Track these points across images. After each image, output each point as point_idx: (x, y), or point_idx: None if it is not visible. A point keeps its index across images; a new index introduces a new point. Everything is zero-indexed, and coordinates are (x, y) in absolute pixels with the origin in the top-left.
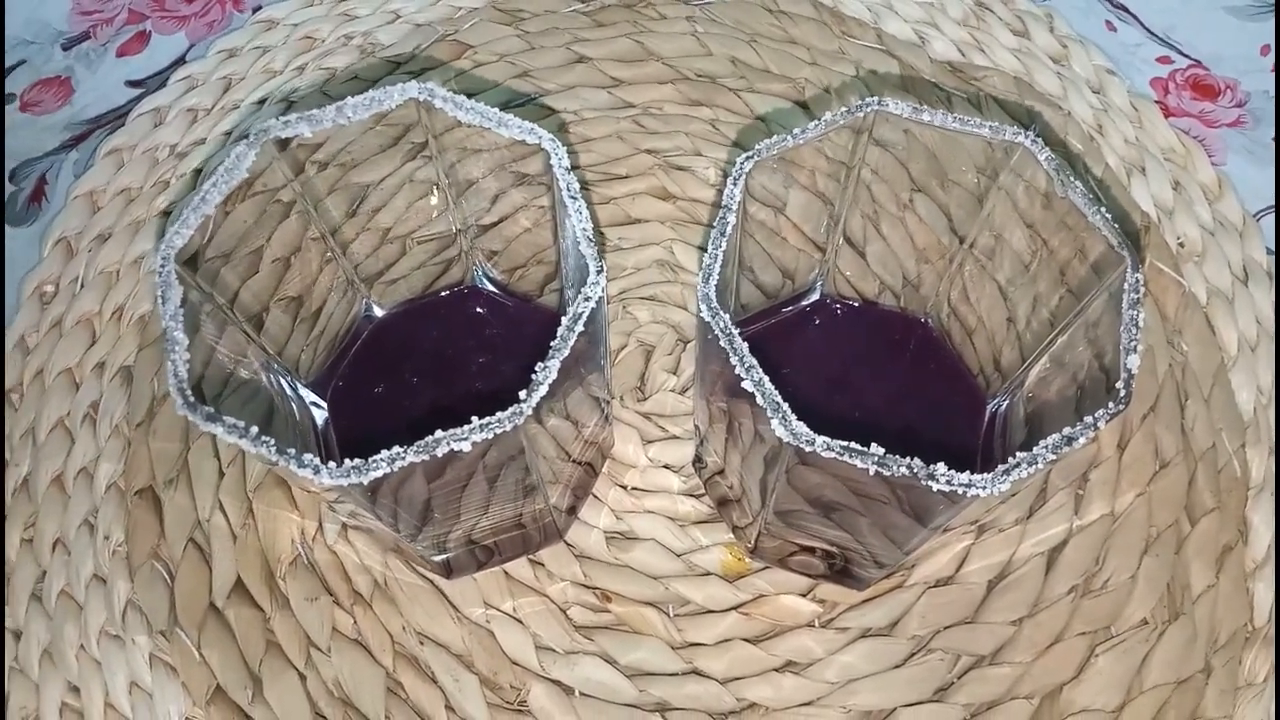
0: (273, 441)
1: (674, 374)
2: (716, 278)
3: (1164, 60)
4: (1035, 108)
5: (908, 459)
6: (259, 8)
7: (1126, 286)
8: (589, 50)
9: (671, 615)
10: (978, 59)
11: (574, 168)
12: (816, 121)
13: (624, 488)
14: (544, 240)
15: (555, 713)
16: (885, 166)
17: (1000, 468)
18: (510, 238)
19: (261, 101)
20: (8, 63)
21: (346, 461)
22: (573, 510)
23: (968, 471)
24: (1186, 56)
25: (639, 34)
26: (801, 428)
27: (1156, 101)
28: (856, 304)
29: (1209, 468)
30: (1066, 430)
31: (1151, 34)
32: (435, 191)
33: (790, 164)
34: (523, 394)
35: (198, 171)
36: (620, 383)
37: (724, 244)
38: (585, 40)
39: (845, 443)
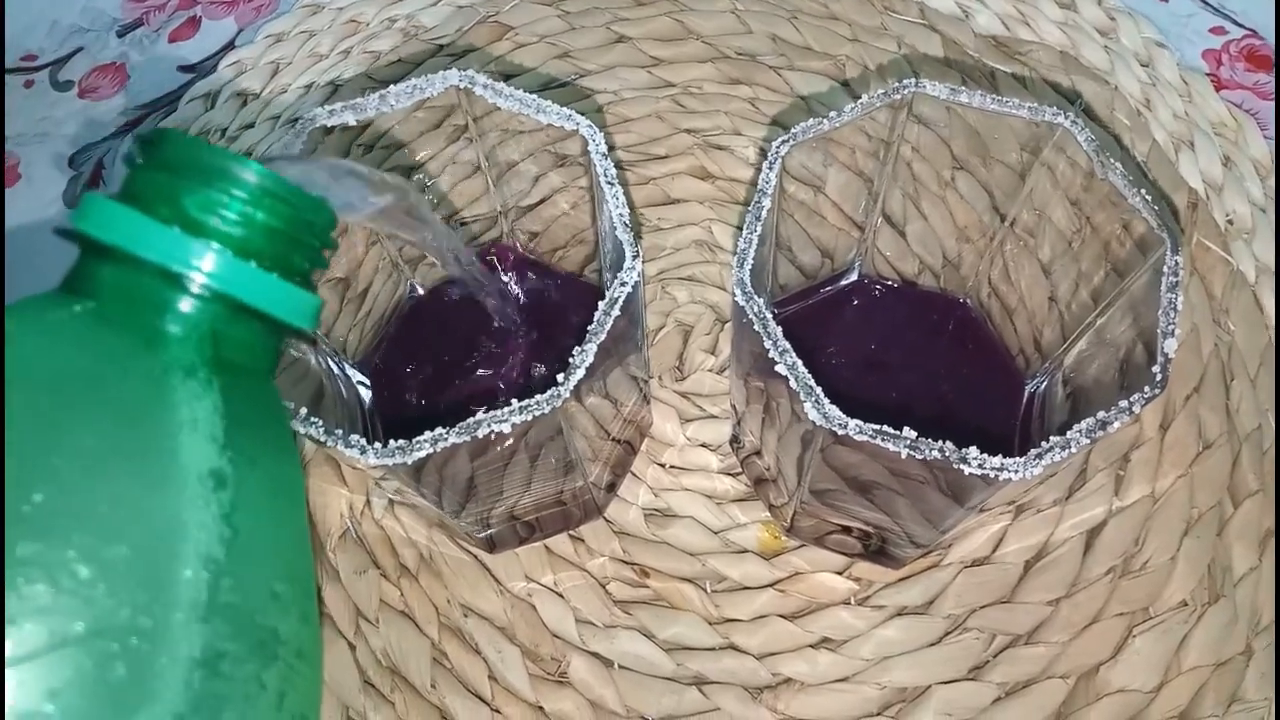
0: (321, 422)
1: (712, 354)
2: (751, 262)
3: (1217, 31)
4: (1079, 85)
5: (940, 442)
6: None
7: (1166, 269)
8: (629, 30)
9: (709, 591)
10: (1023, 33)
11: (613, 148)
12: (853, 104)
13: (662, 466)
14: (583, 221)
15: (595, 684)
16: (926, 144)
17: (1033, 451)
18: (550, 219)
19: (308, 86)
20: (65, 51)
21: (391, 442)
22: (612, 487)
23: (1005, 453)
24: (1241, 26)
25: (679, 12)
26: (834, 411)
27: (1208, 74)
28: (895, 284)
29: (1254, 449)
30: (1101, 414)
31: (1205, 3)
32: (476, 173)
33: (830, 142)
34: (560, 376)
35: (248, 154)
36: (658, 362)
37: (758, 228)
38: (625, 20)
39: (877, 426)
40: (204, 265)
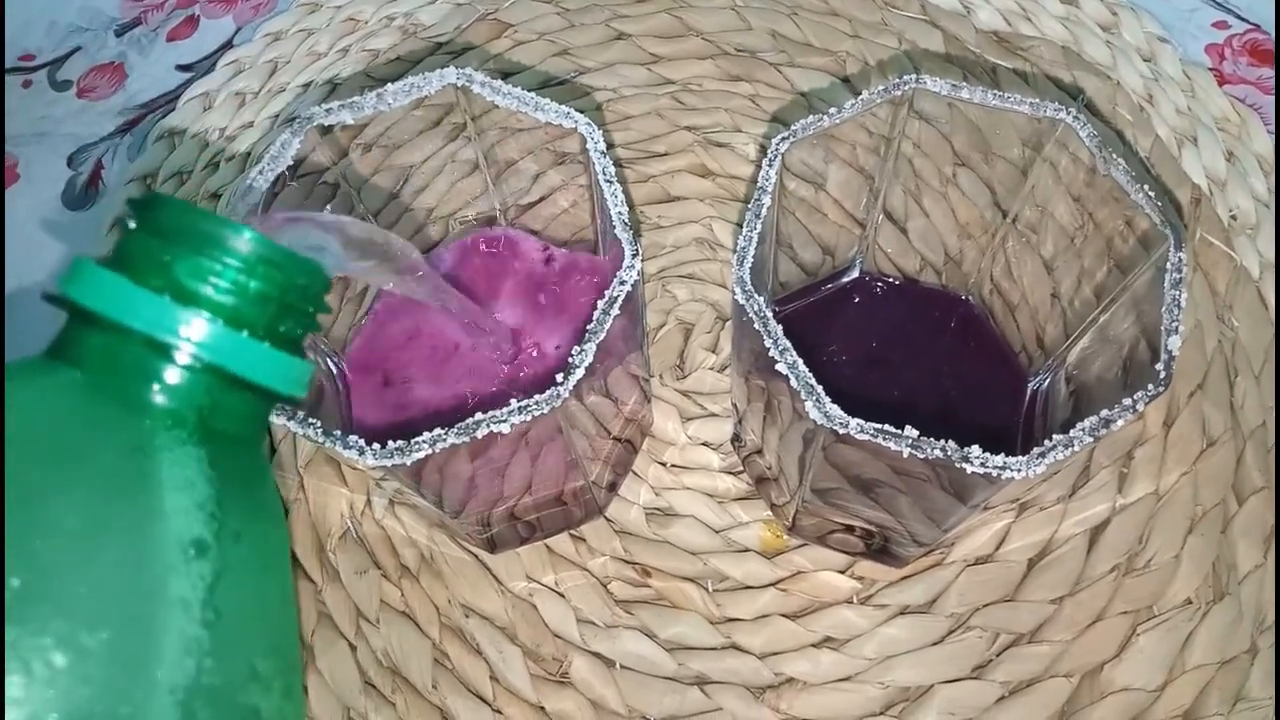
0: (319, 423)
1: (713, 352)
2: (751, 260)
3: (1220, 25)
4: (1081, 81)
5: (942, 441)
6: None
7: (1169, 266)
8: (628, 26)
9: (711, 591)
10: (1024, 28)
11: (612, 146)
12: (854, 101)
13: (663, 465)
14: (583, 219)
15: (596, 684)
16: (927, 140)
17: (1035, 450)
18: (550, 217)
19: (307, 85)
20: (64, 50)
21: (390, 443)
22: (613, 487)
23: (1009, 451)
24: (1244, 20)
25: (678, 9)
26: (835, 410)
27: (1211, 69)
28: (897, 281)
29: (1258, 446)
30: (1104, 412)
31: None
32: (475, 172)
33: (831, 139)
34: (560, 376)
35: (246, 154)
36: (659, 361)
37: (758, 226)
38: (624, 16)
39: (879, 425)
40: (194, 336)
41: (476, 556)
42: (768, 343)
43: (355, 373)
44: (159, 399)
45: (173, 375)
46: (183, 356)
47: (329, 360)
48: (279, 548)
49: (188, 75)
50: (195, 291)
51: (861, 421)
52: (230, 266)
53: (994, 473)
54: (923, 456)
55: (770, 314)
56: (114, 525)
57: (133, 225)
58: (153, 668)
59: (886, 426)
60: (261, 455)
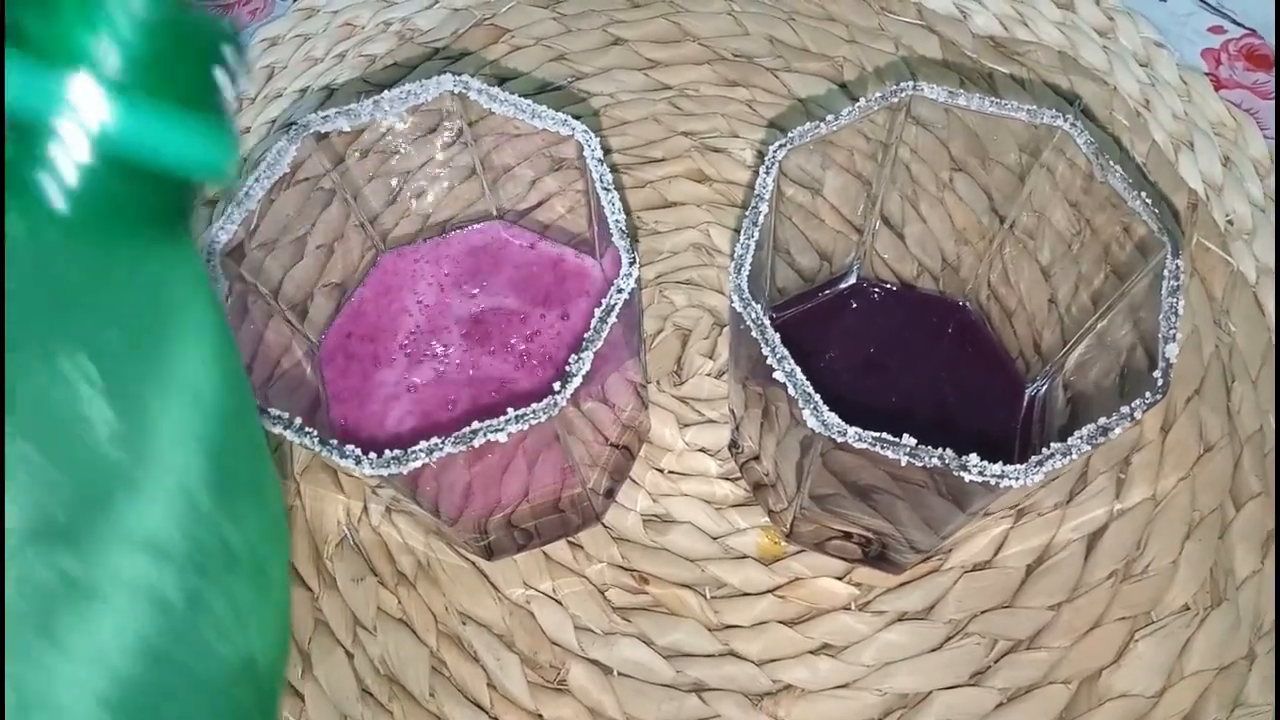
0: (315, 432)
1: (710, 358)
2: (749, 268)
3: (1216, 30)
4: (1077, 86)
5: (940, 449)
6: None
7: (1166, 273)
8: (625, 32)
9: (708, 597)
10: (1021, 33)
11: (609, 151)
12: (851, 108)
13: (661, 471)
14: (580, 224)
15: (594, 691)
16: (924, 145)
17: (1034, 459)
18: (547, 222)
19: (303, 90)
20: None
21: (387, 452)
22: (610, 493)
23: (1006, 457)
24: (1240, 25)
25: (675, 14)
26: (833, 418)
27: (1207, 74)
28: (894, 287)
29: (1255, 451)
30: (1103, 420)
31: (1204, 2)
32: (472, 177)
33: (827, 144)
34: (557, 384)
35: (242, 159)
36: (656, 366)
37: (756, 233)
38: (621, 22)
39: (877, 433)
40: (71, 102)
41: (474, 564)
42: (765, 351)
43: (332, 360)
44: (43, 191)
45: (56, 157)
46: (61, 131)
47: (307, 341)
48: (210, 331)
49: None
50: (63, 45)
51: (859, 430)
52: (106, 14)
53: (992, 481)
54: (921, 465)
55: (768, 322)
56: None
57: None
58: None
59: (884, 435)
60: (185, 243)
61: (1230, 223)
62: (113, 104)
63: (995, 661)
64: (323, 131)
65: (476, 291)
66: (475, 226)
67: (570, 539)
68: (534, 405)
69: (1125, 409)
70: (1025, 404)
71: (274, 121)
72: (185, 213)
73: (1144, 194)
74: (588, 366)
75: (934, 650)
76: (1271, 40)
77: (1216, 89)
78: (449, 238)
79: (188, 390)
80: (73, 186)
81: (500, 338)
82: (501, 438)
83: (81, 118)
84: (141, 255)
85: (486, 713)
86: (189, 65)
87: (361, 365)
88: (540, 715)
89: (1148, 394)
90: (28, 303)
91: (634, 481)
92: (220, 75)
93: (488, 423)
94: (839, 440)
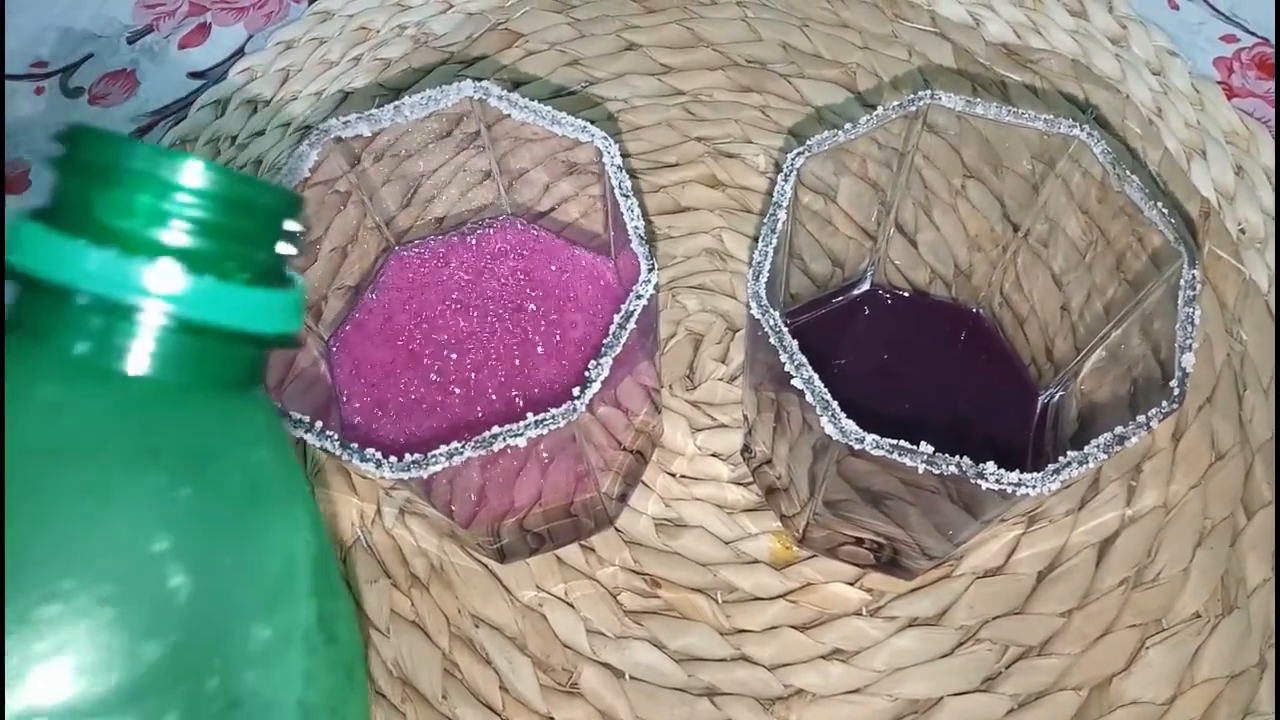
0: (336, 435)
1: (722, 363)
2: (767, 275)
3: (1229, 39)
4: (1090, 94)
5: (957, 457)
6: None
7: (1183, 283)
8: (639, 37)
9: (720, 602)
10: (1034, 41)
11: (624, 156)
12: (869, 116)
13: (673, 475)
14: (595, 229)
15: (606, 695)
16: (938, 153)
17: (1050, 467)
18: (561, 226)
19: (318, 94)
20: (76, 58)
21: (406, 456)
22: (623, 497)
23: (1019, 464)
24: (1253, 34)
25: (689, 20)
26: (851, 425)
27: (1220, 82)
28: (907, 294)
29: (1267, 460)
30: (1119, 429)
31: (1216, 11)
32: (487, 180)
33: (842, 151)
34: (576, 390)
35: (258, 162)
36: (669, 371)
37: (774, 240)
38: (635, 27)
39: (894, 441)
40: (151, 286)
41: (486, 566)
42: (783, 357)
43: (345, 360)
44: (120, 364)
45: (140, 335)
46: (140, 313)
47: (321, 342)
48: (291, 487)
49: (200, 83)
50: (134, 233)
51: (877, 437)
52: (171, 199)
53: (1009, 489)
54: (937, 472)
55: (785, 328)
56: (108, 500)
57: (64, 167)
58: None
59: (902, 442)
60: (254, 401)
61: (1243, 231)
62: (187, 280)
63: (1006, 668)
64: (343, 136)
65: (492, 292)
66: (491, 224)
67: (583, 542)
68: (553, 410)
69: (1141, 418)
70: (1038, 411)
71: (289, 125)
72: (259, 374)
73: (1160, 204)
74: (606, 372)
75: (945, 656)
76: None
77: (1229, 98)
78: (463, 237)
79: (282, 545)
80: (154, 355)
81: (515, 339)
82: (521, 442)
83: (159, 294)
84: (222, 415)
85: (499, 715)
86: (254, 237)
87: (374, 365)
88: (552, 718)
89: (1164, 403)
90: (115, 462)
91: (646, 486)
92: (284, 243)
93: (507, 427)
94: (856, 447)
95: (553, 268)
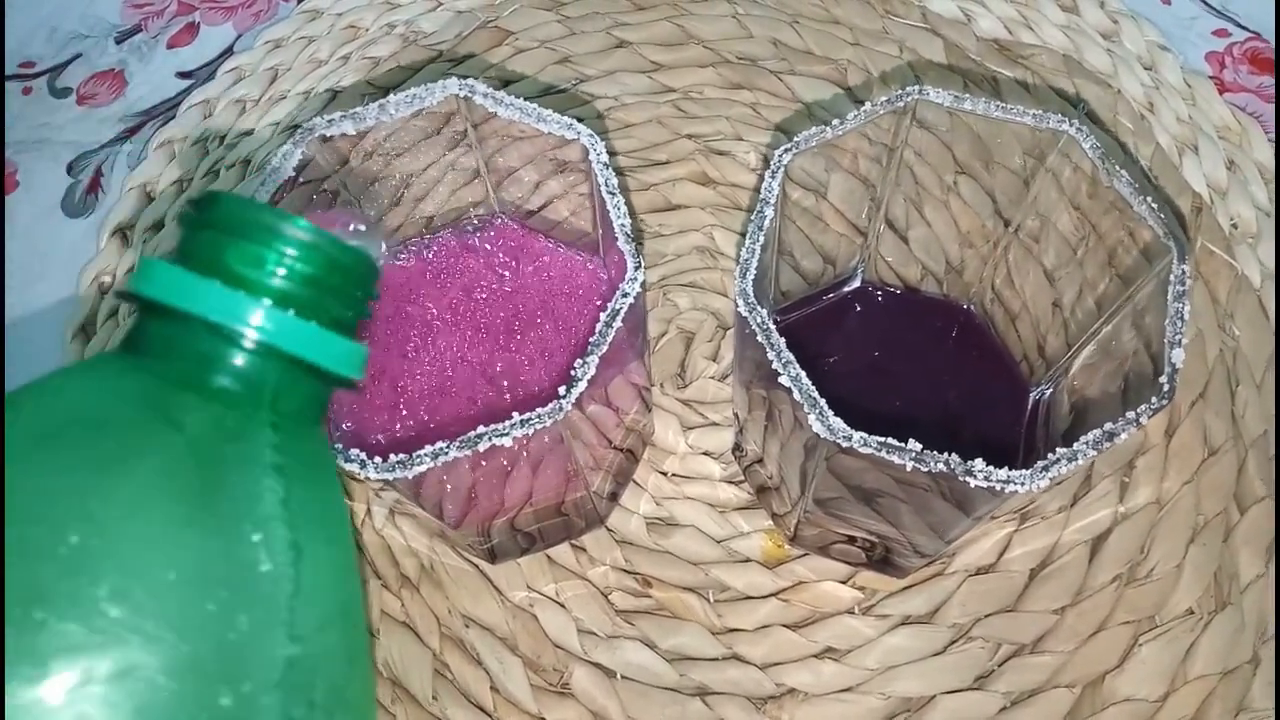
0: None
1: (714, 361)
2: (754, 272)
3: (1221, 33)
4: (1082, 89)
5: (946, 455)
6: None
7: (1173, 278)
8: (629, 34)
9: (712, 601)
10: (1025, 36)
11: (614, 154)
12: (856, 112)
13: (664, 474)
14: (584, 227)
15: (597, 695)
16: (929, 148)
17: (1039, 464)
18: (550, 225)
19: (307, 93)
20: (64, 57)
21: (391, 457)
22: (614, 496)
23: (1010, 460)
24: (1245, 28)
25: (679, 17)
26: (839, 424)
27: (1212, 77)
28: (898, 290)
29: (1260, 455)
30: (1108, 425)
31: (1208, 5)
32: (476, 179)
33: (832, 147)
34: (562, 389)
35: (247, 161)
36: (660, 369)
37: (761, 238)
38: (625, 24)
39: (882, 439)
40: (251, 319)
41: (477, 566)
42: (771, 355)
43: None
44: (226, 383)
45: (234, 357)
46: (242, 340)
47: None
48: (342, 524)
49: (188, 82)
50: (248, 276)
51: (865, 435)
52: (279, 252)
53: (997, 486)
54: (926, 470)
55: (773, 326)
56: (186, 500)
57: (191, 222)
58: (210, 628)
59: (890, 440)
60: (322, 438)
61: (1235, 226)
62: (283, 318)
63: (999, 665)
64: (328, 135)
65: (480, 292)
66: (478, 222)
67: (574, 542)
68: (539, 410)
69: (1131, 414)
70: (1029, 407)
71: (278, 124)
72: (325, 409)
73: (1150, 199)
74: (593, 371)
75: (937, 654)
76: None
77: (1221, 92)
78: (451, 237)
79: (335, 549)
80: (246, 374)
81: (503, 338)
82: (506, 442)
83: (260, 326)
84: (300, 437)
85: (489, 716)
86: (343, 294)
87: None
88: (543, 718)
89: (1154, 399)
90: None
91: (637, 485)
92: (359, 299)
93: (493, 427)
94: (844, 445)
95: (541, 266)
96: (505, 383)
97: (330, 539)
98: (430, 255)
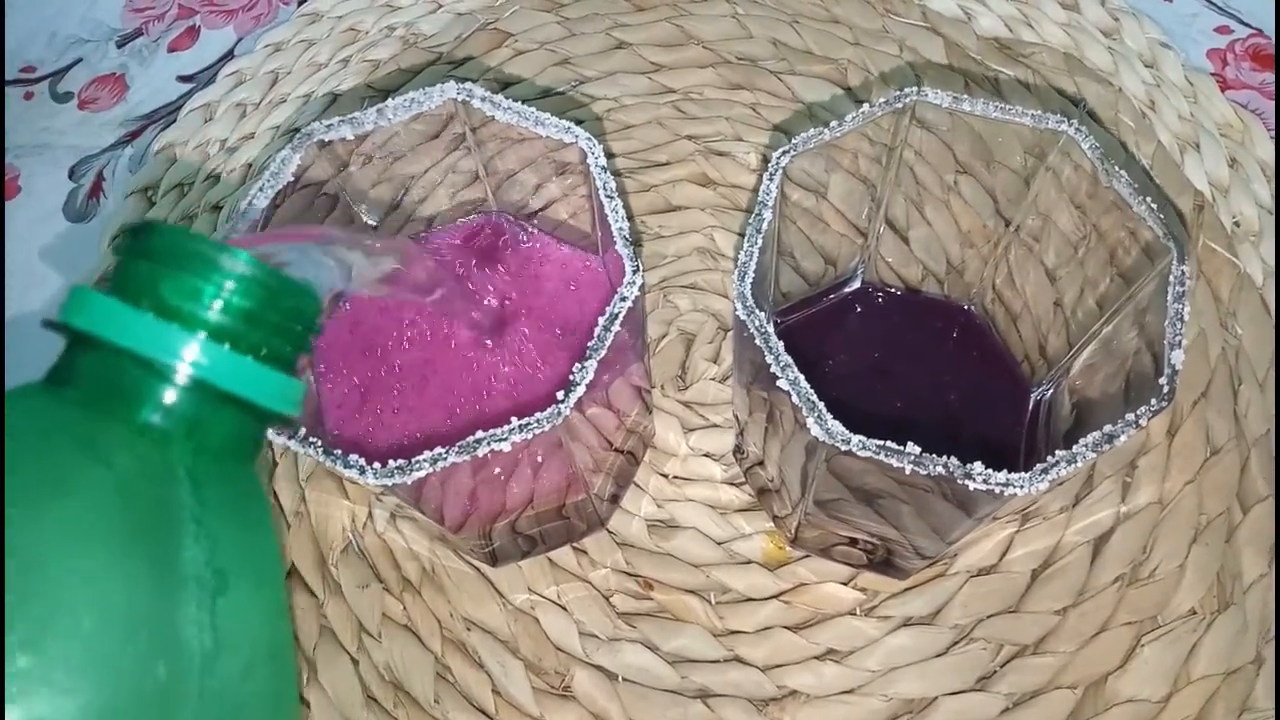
0: (320, 442)
1: (714, 362)
2: (752, 275)
3: (1223, 30)
4: (1083, 88)
5: (944, 458)
6: (304, 0)
7: (1172, 279)
8: (629, 35)
9: (713, 603)
10: (1026, 35)
11: (613, 155)
12: (855, 113)
13: (665, 476)
14: (584, 229)
15: (599, 698)
16: (929, 148)
17: (1039, 467)
18: (551, 226)
19: (307, 96)
20: (65, 62)
21: (390, 462)
22: (615, 499)
23: (1011, 461)
24: (1246, 25)
25: (679, 17)
26: (837, 427)
27: (1214, 74)
28: (899, 291)
29: (1263, 454)
30: (1108, 428)
31: (1210, 2)
32: (476, 182)
33: (832, 147)
34: (560, 394)
35: (248, 165)
36: (661, 371)
37: (759, 240)
38: (625, 25)
39: (881, 442)
40: (182, 352)
41: (478, 569)
42: (769, 358)
43: (326, 364)
44: (152, 416)
45: (164, 392)
46: (172, 373)
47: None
48: (273, 566)
49: (189, 86)
50: (183, 309)
51: (864, 439)
52: (216, 285)
53: (997, 489)
54: (925, 473)
55: (772, 329)
56: (108, 542)
57: (126, 252)
58: (154, 707)
59: (889, 443)
60: (253, 473)
61: (1237, 224)
62: (218, 352)
63: (1001, 666)
64: (326, 140)
65: (476, 291)
66: (475, 218)
67: (575, 545)
68: (537, 414)
69: (1131, 416)
70: (1031, 408)
71: (278, 127)
72: (259, 446)
73: (1149, 199)
74: (591, 375)
75: (939, 655)
76: None
77: (1223, 89)
78: (448, 234)
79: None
80: (177, 410)
81: (502, 339)
82: (505, 447)
83: (194, 361)
84: (231, 475)
85: (491, 719)
86: (280, 325)
87: (357, 369)
88: None
89: (1154, 401)
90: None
91: (638, 487)
92: (300, 334)
93: (491, 432)
94: (843, 448)
95: (544, 269)
96: (506, 386)
97: (258, 581)
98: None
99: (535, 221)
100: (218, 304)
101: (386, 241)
